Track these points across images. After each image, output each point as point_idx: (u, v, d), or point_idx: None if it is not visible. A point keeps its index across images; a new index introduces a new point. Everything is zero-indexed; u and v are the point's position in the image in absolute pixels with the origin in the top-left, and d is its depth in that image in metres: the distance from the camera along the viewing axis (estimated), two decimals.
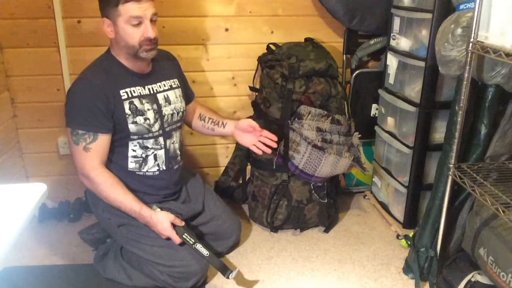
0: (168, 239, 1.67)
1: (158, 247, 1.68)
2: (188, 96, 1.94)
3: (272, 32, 2.27)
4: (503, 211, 1.29)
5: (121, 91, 1.63)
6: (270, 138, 1.89)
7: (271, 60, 2.09)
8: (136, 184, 1.73)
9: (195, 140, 2.39)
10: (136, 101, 1.66)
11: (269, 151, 1.90)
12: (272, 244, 2.06)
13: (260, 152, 1.90)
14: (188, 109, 1.94)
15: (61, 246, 2.01)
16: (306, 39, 2.23)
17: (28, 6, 2.04)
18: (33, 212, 0.96)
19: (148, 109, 1.69)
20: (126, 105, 1.64)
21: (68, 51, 2.13)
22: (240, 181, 2.36)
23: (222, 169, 2.38)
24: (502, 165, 1.60)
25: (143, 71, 1.72)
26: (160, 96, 1.74)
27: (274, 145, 1.89)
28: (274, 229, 2.14)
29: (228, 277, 1.66)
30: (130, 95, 1.65)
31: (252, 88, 2.24)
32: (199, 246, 1.67)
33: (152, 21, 1.61)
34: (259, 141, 1.89)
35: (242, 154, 2.28)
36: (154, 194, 1.77)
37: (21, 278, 1.80)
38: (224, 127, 1.97)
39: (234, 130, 1.94)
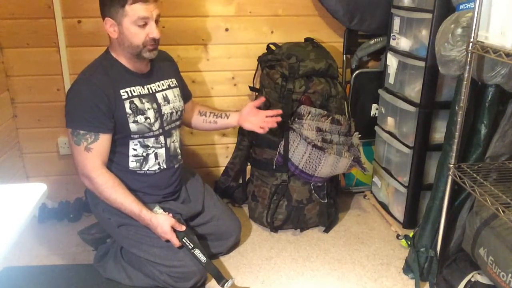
0: (168, 241, 1.67)
1: (158, 247, 1.68)
2: (185, 96, 1.94)
3: (272, 32, 2.27)
4: (503, 211, 1.29)
5: (121, 91, 1.64)
6: (273, 114, 1.87)
7: (271, 60, 2.09)
8: (137, 183, 1.73)
9: (195, 140, 2.39)
10: (137, 101, 1.67)
11: (275, 125, 1.86)
12: (272, 244, 2.06)
13: (264, 131, 1.85)
14: (185, 108, 1.94)
15: (61, 246, 2.01)
16: (306, 39, 2.23)
17: (28, 6, 2.04)
18: (33, 212, 0.96)
19: (148, 108, 1.69)
20: (127, 105, 1.64)
21: (68, 51, 2.13)
22: (240, 181, 2.36)
23: (222, 169, 2.38)
24: (502, 165, 1.60)
25: (142, 71, 1.72)
26: (159, 96, 1.74)
27: (278, 119, 1.86)
28: (274, 229, 2.14)
29: (222, 286, 1.65)
30: (130, 95, 1.65)
31: (252, 88, 2.24)
32: (197, 252, 1.67)
33: (157, 21, 1.62)
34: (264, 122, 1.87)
35: (242, 154, 2.27)
36: (154, 194, 1.77)
37: (21, 278, 1.80)
38: (228, 117, 1.96)
39: (239, 118, 1.93)
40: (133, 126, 1.66)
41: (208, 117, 1.99)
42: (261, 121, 1.87)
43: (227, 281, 1.66)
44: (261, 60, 2.18)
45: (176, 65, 1.94)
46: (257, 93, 2.21)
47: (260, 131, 1.86)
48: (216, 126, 2.00)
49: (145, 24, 1.59)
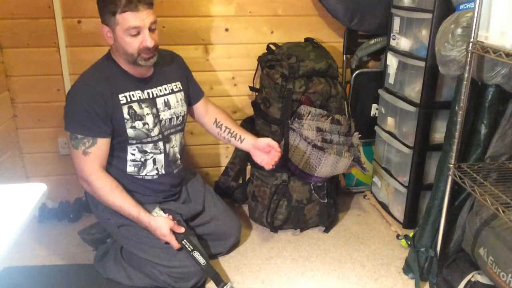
0: (167, 243, 1.67)
1: (158, 248, 1.68)
2: (195, 95, 1.90)
3: (272, 32, 2.27)
4: (503, 211, 1.29)
5: (120, 96, 1.62)
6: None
7: (271, 60, 2.09)
8: (136, 186, 1.73)
9: (195, 140, 2.39)
10: (135, 106, 1.65)
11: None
12: (272, 244, 2.06)
13: (270, 168, 1.83)
14: (198, 108, 1.91)
15: (61, 246, 2.01)
16: (306, 39, 2.23)
17: (28, 6, 2.03)
18: (33, 212, 0.96)
19: (147, 114, 1.67)
20: (125, 110, 1.63)
21: (68, 51, 2.13)
22: (240, 181, 2.36)
23: (222, 169, 2.37)
24: (502, 165, 1.60)
25: (144, 75, 1.70)
26: (159, 101, 1.72)
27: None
28: (274, 229, 2.14)
29: None
30: (129, 100, 1.64)
31: (252, 88, 2.24)
32: (196, 254, 1.66)
33: (151, 29, 1.57)
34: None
35: (242, 154, 2.27)
36: (154, 195, 1.77)
37: (21, 278, 1.80)
38: (241, 141, 1.88)
39: (251, 148, 1.87)
40: (130, 132, 1.64)
41: (223, 132, 1.91)
42: (271, 160, 1.82)
43: (225, 284, 1.66)
44: (261, 60, 2.17)
45: (183, 63, 1.89)
46: (257, 93, 2.21)
47: (268, 167, 1.83)
48: (229, 143, 1.94)
49: (138, 33, 1.54)
